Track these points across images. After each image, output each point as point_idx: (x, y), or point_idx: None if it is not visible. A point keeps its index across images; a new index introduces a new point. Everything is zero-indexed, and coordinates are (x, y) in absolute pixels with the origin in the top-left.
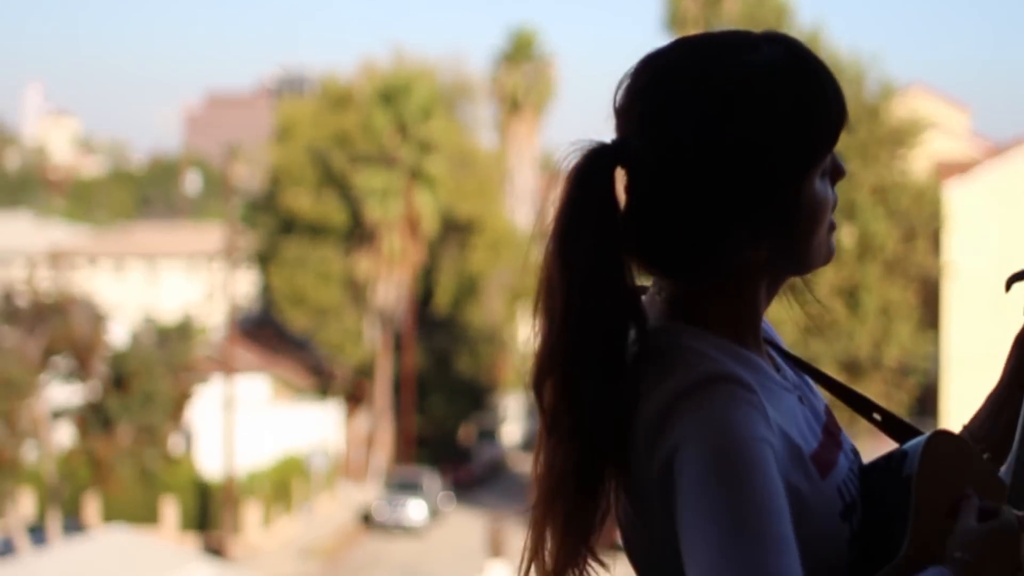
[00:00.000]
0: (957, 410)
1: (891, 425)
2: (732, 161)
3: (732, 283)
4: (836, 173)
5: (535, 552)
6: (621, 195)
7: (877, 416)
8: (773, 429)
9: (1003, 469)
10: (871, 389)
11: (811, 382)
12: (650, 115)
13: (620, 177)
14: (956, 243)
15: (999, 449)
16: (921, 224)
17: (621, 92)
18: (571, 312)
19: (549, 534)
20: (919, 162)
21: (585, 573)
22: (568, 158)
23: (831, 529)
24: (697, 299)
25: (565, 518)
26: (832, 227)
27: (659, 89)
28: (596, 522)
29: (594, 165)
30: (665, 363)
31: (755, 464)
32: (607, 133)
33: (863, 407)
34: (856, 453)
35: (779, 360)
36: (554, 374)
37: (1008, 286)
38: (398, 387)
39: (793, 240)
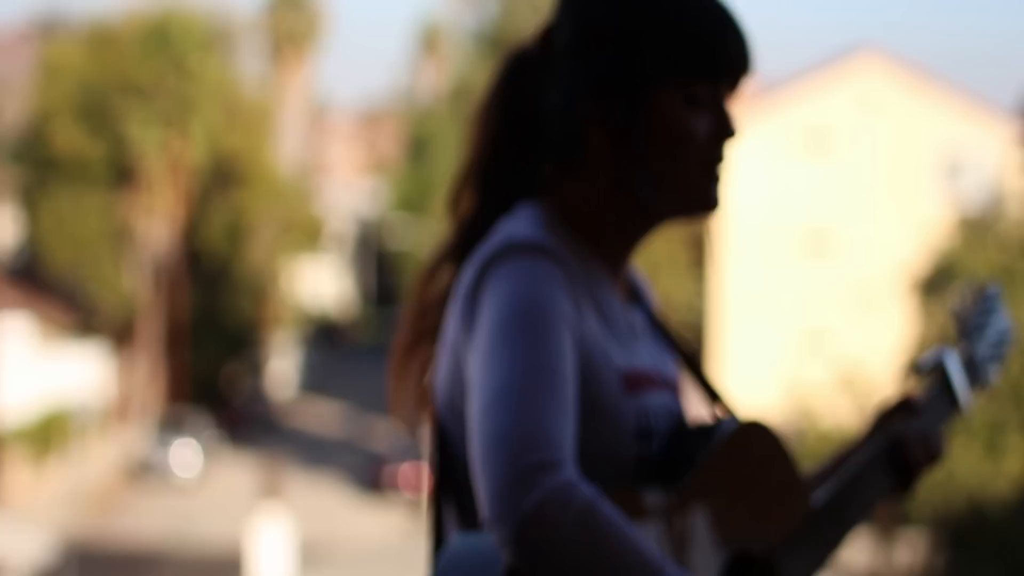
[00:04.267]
0: (725, 357)
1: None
2: (590, 51)
3: (587, 178)
4: (721, 125)
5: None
6: None
7: (715, 401)
8: (579, 312)
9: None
10: None
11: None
12: (555, 9)
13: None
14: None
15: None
16: None
17: None
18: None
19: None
20: None
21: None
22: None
23: (618, 439)
24: (558, 185)
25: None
26: (710, 173)
27: None
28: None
29: (506, 60)
30: (499, 228)
31: (546, 329)
32: (385, 72)
33: (708, 391)
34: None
35: (635, 310)
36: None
37: (909, 374)
38: (170, 329)
39: (647, 156)
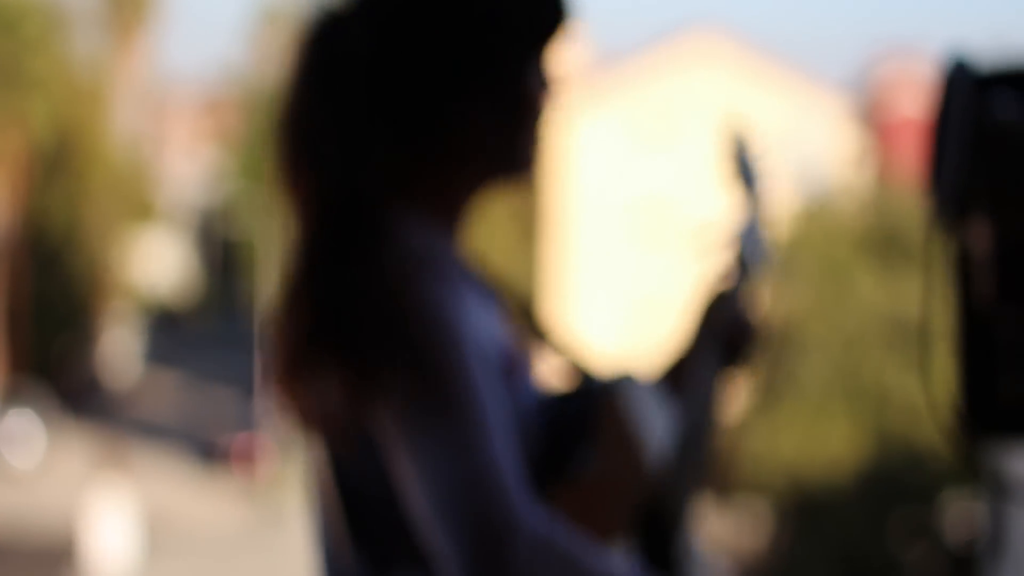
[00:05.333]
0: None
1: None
2: (454, 29)
3: (449, 161)
4: (548, 82)
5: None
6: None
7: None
8: (471, 312)
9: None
10: None
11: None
12: None
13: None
14: (563, 163)
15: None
16: None
17: None
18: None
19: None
20: None
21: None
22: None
23: (526, 416)
24: (415, 174)
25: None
26: (540, 135)
27: None
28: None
29: (318, 32)
30: (372, 242)
31: (457, 344)
32: (229, 47)
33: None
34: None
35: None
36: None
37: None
38: (8, 303)
39: (510, 130)
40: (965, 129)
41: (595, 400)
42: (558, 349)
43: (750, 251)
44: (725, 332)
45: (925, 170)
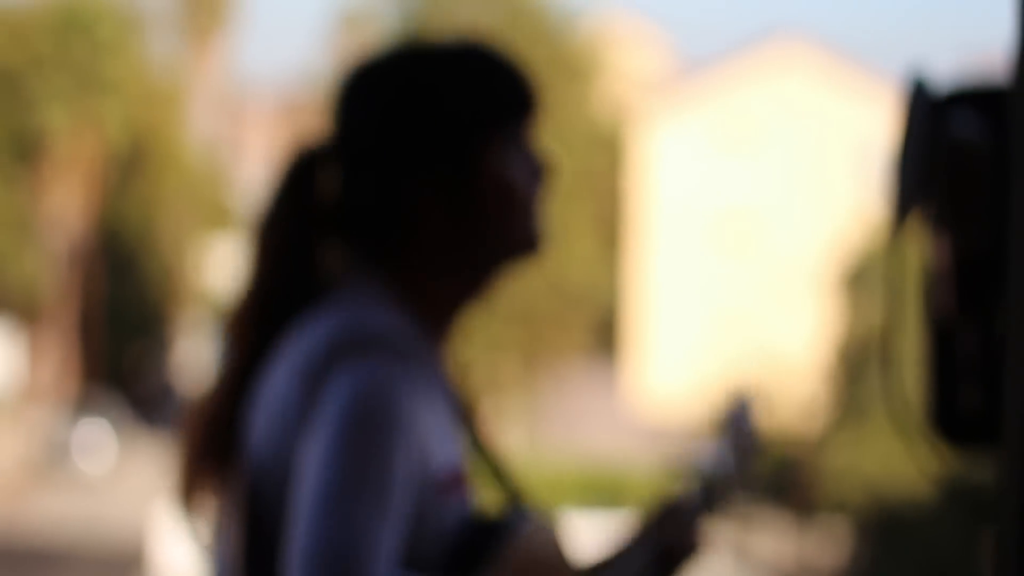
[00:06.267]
0: (640, 346)
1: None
2: (404, 127)
3: (422, 252)
4: (535, 164)
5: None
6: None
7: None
8: (414, 417)
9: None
10: (550, 316)
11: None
12: (338, 111)
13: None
14: (645, 172)
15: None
16: (604, 159)
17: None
18: (260, 275)
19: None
20: (615, 83)
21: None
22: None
23: (429, 540)
24: (391, 264)
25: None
26: (533, 214)
27: (345, 89)
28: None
29: (293, 162)
30: (344, 308)
31: (385, 440)
32: (306, 50)
33: (497, 477)
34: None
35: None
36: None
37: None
38: (81, 310)
39: (481, 219)
40: (922, 146)
41: (504, 533)
42: (499, 475)
43: (715, 483)
44: (666, 543)
45: (886, 187)
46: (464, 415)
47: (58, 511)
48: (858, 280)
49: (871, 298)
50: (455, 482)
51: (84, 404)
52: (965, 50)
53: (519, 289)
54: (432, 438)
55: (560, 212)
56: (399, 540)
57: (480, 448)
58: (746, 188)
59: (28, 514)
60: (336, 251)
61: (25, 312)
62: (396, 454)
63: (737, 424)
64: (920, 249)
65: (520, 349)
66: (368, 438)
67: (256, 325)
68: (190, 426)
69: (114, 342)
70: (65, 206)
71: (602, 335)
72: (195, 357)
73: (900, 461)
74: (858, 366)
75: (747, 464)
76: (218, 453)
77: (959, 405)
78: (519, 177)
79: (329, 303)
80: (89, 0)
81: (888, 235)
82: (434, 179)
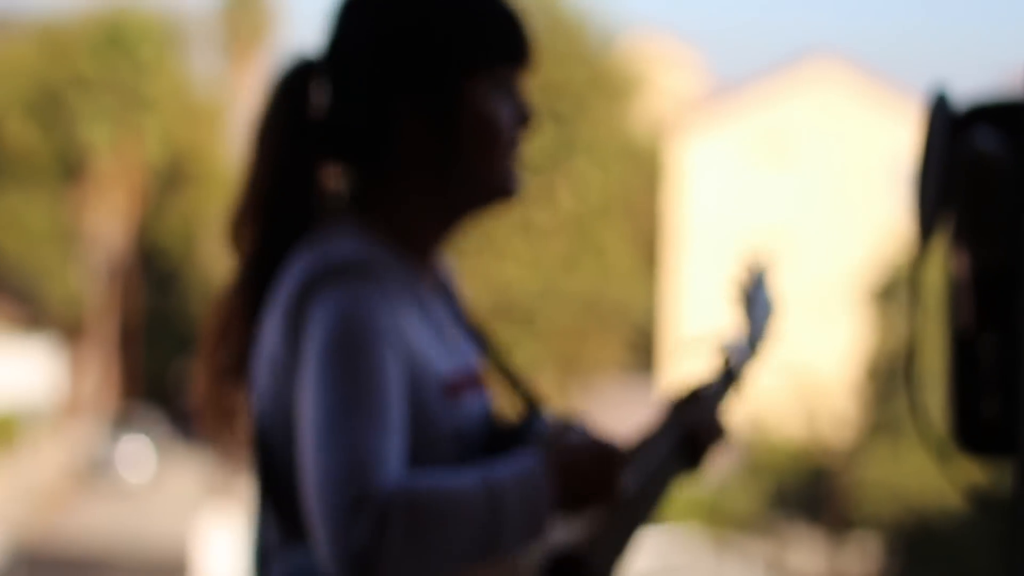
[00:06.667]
0: (677, 360)
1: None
2: (394, 49)
3: (401, 179)
4: (521, 112)
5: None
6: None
7: (520, 394)
8: (402, 326)
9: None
10: (586, 332)
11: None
12: (333, 28)
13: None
14: (680, 190)
15: None
16: (640, 177)
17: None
18: (260, 189)
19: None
20: (651, 101)
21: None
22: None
23: (438, 445)
24: (370, 193)
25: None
26: (512, 159)
27: (342, 7)
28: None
29: (288, 70)
30: (316, 246)
31: (369, 355)
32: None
33: (513, 383)
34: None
35: (443, 304)
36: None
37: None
38: (122, 325)
39: (459, 152)
40: (943, 161)
41: (531, 438)
42: (515, 382)
43: (736, 364)
44: (690, 428)
45: (910, 202)
46: (475, 331)
47: (101, 521)
48: (889, 294)
49: (902, 312)
50: (467, 383)
51: (124, 420)
52: (997, 69)
53: (556, 306)
54: (426, 346)
55: (597, 229)
56: (404, 445)
57: (494, 359)
58: (781, 205)
59: (72, 524)
60: (333, 175)
61: (67, 327)
62: (385, 364)
63: (754, 297)
64: (944, 263)
65: (557, 366)
66: (354, 356)
67: (259, 228)
68: (207, 344)
69: (154, 357)
70: (107, 222)
71: (639, 351)
72: None
73: (934, 476)
74: (891, 380)
75: (765, 336)
76: (236, 368)
77: (980, 416)
78: (502, 119)
79: (312, 239)
80: (131, 19)
81: (914, 250)
82: (418, 105)
